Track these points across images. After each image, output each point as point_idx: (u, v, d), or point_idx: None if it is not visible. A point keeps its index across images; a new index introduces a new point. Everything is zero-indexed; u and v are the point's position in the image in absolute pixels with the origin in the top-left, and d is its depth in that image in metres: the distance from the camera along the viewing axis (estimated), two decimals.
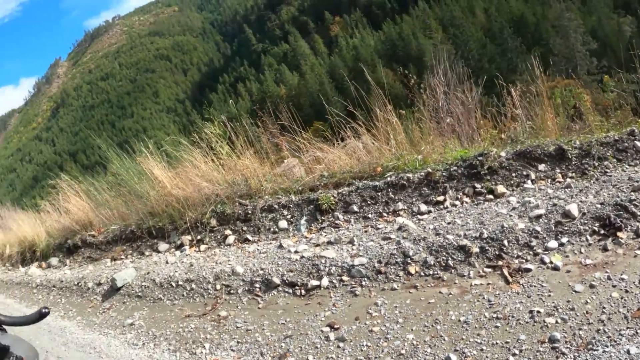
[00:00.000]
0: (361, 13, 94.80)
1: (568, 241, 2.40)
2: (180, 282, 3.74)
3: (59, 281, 5.41)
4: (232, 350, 2.63)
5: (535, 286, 2.21)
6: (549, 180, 3.07)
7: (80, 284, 4.92)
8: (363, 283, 2.80)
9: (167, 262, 4.31)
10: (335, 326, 2.47)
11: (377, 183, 3.57)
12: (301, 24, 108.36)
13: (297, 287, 3.03)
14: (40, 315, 1.28)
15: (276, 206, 4.06)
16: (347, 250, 3.10)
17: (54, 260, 6.53)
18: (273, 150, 4.89)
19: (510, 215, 2.71)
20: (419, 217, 3.22)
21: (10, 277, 7.24)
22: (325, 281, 2.94)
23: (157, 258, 4.60)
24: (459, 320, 2.16)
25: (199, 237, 4.51)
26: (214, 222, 4.45)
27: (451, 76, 4.08)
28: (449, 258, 2.64)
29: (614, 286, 2.01)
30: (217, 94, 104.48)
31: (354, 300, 2.69)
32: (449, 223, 2.92)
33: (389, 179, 3.57)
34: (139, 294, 3.98)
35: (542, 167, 3.16)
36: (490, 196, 3.13)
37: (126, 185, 5.54)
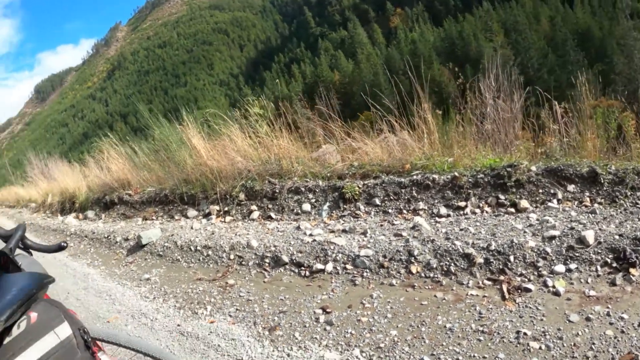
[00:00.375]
0: (423, 7, 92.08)
1: (576, 268, 2.31)
2: (198, 248, 3.96)
3: (91, 232, 5.86)
4: (230, 315, 2.77)
5: (530, 307, 2.15)
6: (576, 202, 2.94)
7: (109, 237, 5.30)
8: (364, 274, 2.85)
9: (192, 228, 4.54)
10: (328, 310, 2.55)
11: (402, 180, 3.58)
12: (362, 12, 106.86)
13: (302, 268, 3.14)
14: (59, 247, 1.46)
15: (303, 189, 4.16)
16: (358, 241, 3.16)
17: (90, 213, 7.03)
18: (312, 135, 4.97)
19: (525, 232, 2.65)
20: (437, 219, 3.21)
21: (48, 224, 7.91)
22: (330, 266, 3.02)
23: (184, 223, 4.86)
24: (445, 327, 2.16)
25: (226, 209, 4.72)
26: (242, 196, 4.64)
27: (502, 82, 3.96)
28: (452, 264, 2.63)
29: (610, 324, 1.91)
30: (270, 72, 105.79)
31: (352, 289, 2.75)
32: (461, 229, 2.90)
33: (415, 177, 3.57)
34: (160, 253, 4.25)
35: (571, 187, 3.04)
36: (512, 209, 3.06)
37: (166, 152, 5.83)
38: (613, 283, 2.17)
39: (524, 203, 3.05)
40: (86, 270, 4.53)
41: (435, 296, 2.45)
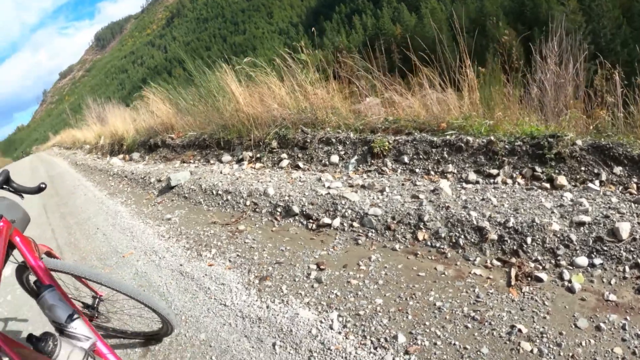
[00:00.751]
0: None
1: (601, 264, 2.01)
2: (220, 192, 4.03)
3: (131, 173, 6.18)
4: (229, 261, 2.81)
5: (535, 300, 1.91)
6: (620, 187, 2.57)
7: (145, 178, 5.55)
8: (369, 234, 2.74)
9: (221, 172, 4.62)
10: (322, 267, 2.48)
11: (435, 139, 3.34)
12: None
13: (310, 221, 3.09)
14: (39, 189, 1.59)
15: (334, 140, 4.06)
16: (372, 198, 3.02)
17: (135, 155, 7.42)
18: (359, 86, 4.80)
19: (552, 212, 2.35)
20: (464, 185, 2.97)
21: (96, 164, 8.49)
22: (337, 222, 2.94)
23: (216, 167, 4.96)
24: (434, 304, 2.01)
25: (258, 155, 4.76)
26: (274, 143, 4.63)
27: (566, 47, 3.50)
28: (462, 236, 2.43)
29: (623, 340, 1.62)
30: (331, 22, 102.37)
31: (353, 248, 2.66)
32: (483, 199, 2.65)
33: (448, 137, 3.33)
34: (186, 195, 4.39)
35: (618, 169, 2.66)
36: (547, 185, 2.74)
37: (208, 98, 5.91)
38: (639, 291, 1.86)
39: (562, 180, 2.73)
40: (118, 208, 4.79)
41: (435, 269, 2.28)
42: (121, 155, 8.12)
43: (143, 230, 3.78)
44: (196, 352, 2.00)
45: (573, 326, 1.73)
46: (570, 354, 1.61)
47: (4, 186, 1.54)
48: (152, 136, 7.21)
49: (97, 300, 1.96)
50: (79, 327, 1.22)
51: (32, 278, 1.51)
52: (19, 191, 1.58)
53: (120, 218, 4.34)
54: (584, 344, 1.64)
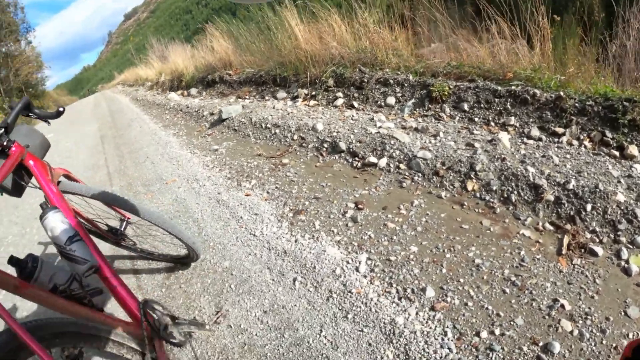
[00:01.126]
0: None
1: None
2: (269, 125, 4.03)
3: (186, 107, 6.35)
4: (267, 192, 2.81)
5: (585, 276, 1.69)
6: None
7: (199, 112, 5.68)
8: (415, 178, 2.61)
9: (273, 108, 4.60)
10: (360, 206, 2.41)
11: (499, 88, 3.06)
12: None
13: (356, 159, 3.01)
14: (57, 113, 1.61)
15: (391, 81, 3.88)
16: (423, 141, 2.86)
17: (193, 91, 7.60)
18: (425, 30, 4.50)
19: (619, 182, 2.07)
20: (525, 140, 2.71)
21: (154, 100, 8.82)
22: (383, 162, 2.84)
23: (269, 103, 4.95)
24: (473, 261, 1.86)
25: (313, 93, 4.69)
26: (331, 82, 4.52)
27: None
28: (515, 192, 2.22)
29: None
30: None
31: (396, 191, 2.54)
32: (544, 156, 2.40)
33: (513, 87, 3.04)
34: (236, 127, 4.44)
35: None
36: (616, 153, 2.42)
37: (268, 35, 5.81)
38: None
39: (633, 150, 2.38)
40: (169, 139, 4.96)
41: (480, 223, 2.11)
42: (179, 91, 8.38)
43: (189, 159, 3.89)
44: (217, 278, 2.03)
45: (622, 313, 1.50)
46: (614, 345, 1.39)
47: (27, 113, 1.56)
48: (210, 73, 7.31)
49: (125, 223, 2.00)
50: (78, 249, 1.18)
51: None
52: (40, 117, 1.60)
53: (170, 148, 4.50)
54: (631, 335, 1.41)
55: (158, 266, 2.22)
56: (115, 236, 2.02)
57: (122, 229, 2.01)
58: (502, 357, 1.41)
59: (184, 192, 3.13)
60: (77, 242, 1.19)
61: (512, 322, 1.52)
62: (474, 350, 1.46)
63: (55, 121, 1.66)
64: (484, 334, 1.50)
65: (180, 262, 2.16)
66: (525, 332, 1.49)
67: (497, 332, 1.50)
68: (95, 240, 1.37)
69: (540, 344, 1.43)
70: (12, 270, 1.04)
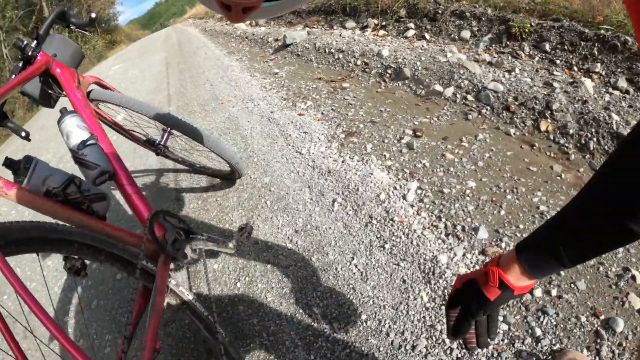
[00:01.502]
0: None
1: None
2: (332, 50, 3.76)
3: (252, 34, 6.20)
4: (322, 113, 2.59)
5: None
6: None
7: (264, 38, 5.51)
8: (482, 111, 2.23)
9: (340, 35, 4.32)
10: (418, 134, 2.10)
11: (586, 30, 2.56)
12: None
13: (421, 86, 2.67)
14: (91, 20, 1.54)
15: (468, 14, 3.42)
16: (495, 74, 2.45)
17: (261, 21, 7.35)
18: None
19: None
20: (610, 90, 2.25)
21: (221, 29, 8.74)
22: (449, 91, 2.47)
23: (337, 31, 4.65)
24: (537, 208, 1.53)
25: (383, 23, 4.32)
26: (403, 12, 4.11)
27: None
28: (594, 139, 1.80)
29: None
30: None
31: (460, 123, 2.19)
32: (630, 106, 1.95)
33: (603, 32, 2.51)
34: (299, 53, 4.20)
35: None
36: None
37: None
38: None
39: None
40: (232, 63, 4.86)
41: (551, 167, 1.74)
42: (247, 21, 8.24)
43: (248, 81, 3.77)
44: (254, 193, 1.91)
45: None
46: None
47: (64, 23, 1.53)
48: None
49: (167, 134, 1.90)
50: (90, 153, 1.09)
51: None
52: (76, 25, 1.55)
53: (230, 72, 4.41)
54: None
55: (199, 179, 2.16)
56: (154, 147, 1.95)
57: (162, 140, 1.93)
58: (554, 323, 1.14)
59: (237, 111, 3.03)
60: (91, 147, 1.11)
61: (572, 285, 1.24)
62: (522, 309, 1.20)
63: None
64: (538, 292, 1.23)
65: (222, 177, 2.09)
66: (586, 299, 1.20)
67: (554, 293, 1.22)
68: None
69: (602, 317, 1.15)
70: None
